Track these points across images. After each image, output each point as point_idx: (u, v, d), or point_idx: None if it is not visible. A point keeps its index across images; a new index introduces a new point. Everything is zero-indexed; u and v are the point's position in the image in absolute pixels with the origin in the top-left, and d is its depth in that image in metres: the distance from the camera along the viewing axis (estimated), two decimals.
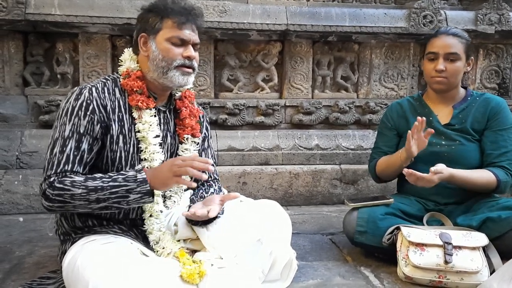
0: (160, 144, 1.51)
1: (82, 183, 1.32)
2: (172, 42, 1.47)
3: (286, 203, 2.81)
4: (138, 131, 1.47)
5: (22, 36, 2.74)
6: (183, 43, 1.48)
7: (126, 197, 1.34)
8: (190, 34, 1.49)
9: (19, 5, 2.54)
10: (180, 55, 1.47)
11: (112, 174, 1.37)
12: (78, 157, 1.37)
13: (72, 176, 1.35)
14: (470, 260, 1.60)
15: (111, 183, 1.33)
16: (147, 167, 1.47)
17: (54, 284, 1.47)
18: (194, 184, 1.41)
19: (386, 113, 2.11)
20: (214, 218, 1.49)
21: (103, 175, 1.36)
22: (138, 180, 1.34)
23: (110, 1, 2.66)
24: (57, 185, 1.32)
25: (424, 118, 1.77)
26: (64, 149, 1.36)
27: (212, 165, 1.72)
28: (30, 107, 2.76)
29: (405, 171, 1.75)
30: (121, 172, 1.38)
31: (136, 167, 1.40)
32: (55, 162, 1.35)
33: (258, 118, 2.95)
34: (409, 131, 1.79)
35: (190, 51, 1.48)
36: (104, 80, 1.49)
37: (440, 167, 1.76)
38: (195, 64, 1.52)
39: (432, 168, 1.74)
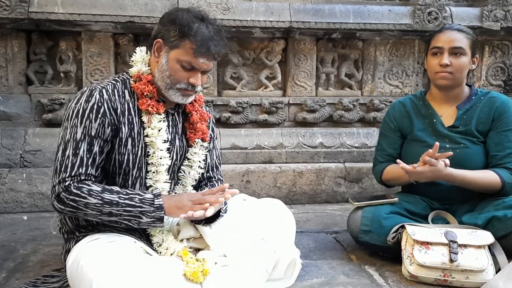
0: (168, 149, 1.51)
1: (99, 194, 1.33)
2: (182, 65, 1.44)
3: (290, 202, 2.81)
4: (147, 136, 1.46)
5: (25, 35, 2.74)
6: (193, 68, 1.45)
7: (138, 218, 1.35)
8: (204, 63, 1.44)
9: (22, 4, 2.54)
10: (186, 79, 1.45)
11: (130, 192, 1.37)
12: (90, 160, 1.37)
13: (89, 183, 1.35)
14: (476, 258, 1.59)
15: (127, 201, 1.34)
16: (154, 172, 1.47)
17: (58, 283, 1.47)
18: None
19: (388, 113, 2.07)
20: (217, 217, 1.48)
21: (120, 190, 1.37)
22: (155, 205, 1.35)
23: None
24: (74, 190, 1.33)
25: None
26: (78, 151, 1.36)
27: (217, 166, 1.72)
28: (34, 106, 2.76)
29: (398, 161, 1.74)
30: (138, 192, 1.39)
31: (154, 191, 1.42)
32: (69, 165, 1.35)
33: (261, 116, 2.94)
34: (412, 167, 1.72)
35: (196, 80, 1.46)
36: (114, 82, 1.48)
37: (435, 161, 1.70)
38: (199, 88, 1.51)
39: (426, 158, 1.69)
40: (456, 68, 1.84)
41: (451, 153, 1.72)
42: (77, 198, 1.32)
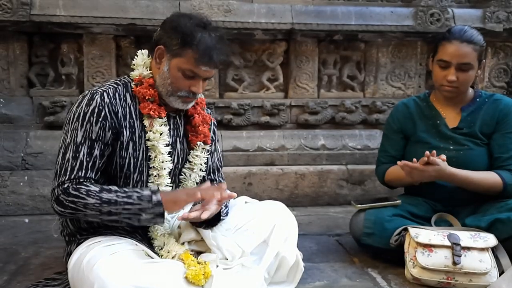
0: (169, 153, 1.50)
1: (97, 194, 1.33)
2: (184, 73, 1.43)
3: (292, 204, 2.79)
4: (148, 139, 1.46)
5: (27, 37, 2.74)
6: (194, 77, 1.44)
7: (138, 215, 1.34)
8: (206, 71, 1.44)
9: (23, 6, 2.54)
10: (187, 88, 1.45)
11: (128, 190, 1.37)
12: (90, 163, 1.37)
13: (87, 184, 1.35)
14: (479, 261, 1.58)
15: (125, 199, 1.33)
16: (156, 175, 1.47)
17: (60, 286, 1.48)
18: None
19: (391, 114, 2.06)
20: (218, 221, 1.48)
21: (118, 189, 1.36)
22: (153, 202, 1.34)
23: (115, 1, 2.65)
24: (72, 192, 1.32)
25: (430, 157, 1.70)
26: (77, 155, 1.36)
27: (218, 169, 1.72)
28: (35, 108, 2.76)
29: (399, 163, 1.73)
30: (136, 189, 1.38)
31: (152, 188, 1.40)
32: (69, 168, 1.35)
33: (263, 118, 2.94)
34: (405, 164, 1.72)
35: (197, 87, 1.45)
36: (115, 85, 1.47)
37: (439, 160, 1.70)
38: (198, 95, 1.53)
39: (427, 152, 1.68)
40: (462, 83, 1.82)
41: (444, 157, 1.72)
42: (75, 199, 1.32)
